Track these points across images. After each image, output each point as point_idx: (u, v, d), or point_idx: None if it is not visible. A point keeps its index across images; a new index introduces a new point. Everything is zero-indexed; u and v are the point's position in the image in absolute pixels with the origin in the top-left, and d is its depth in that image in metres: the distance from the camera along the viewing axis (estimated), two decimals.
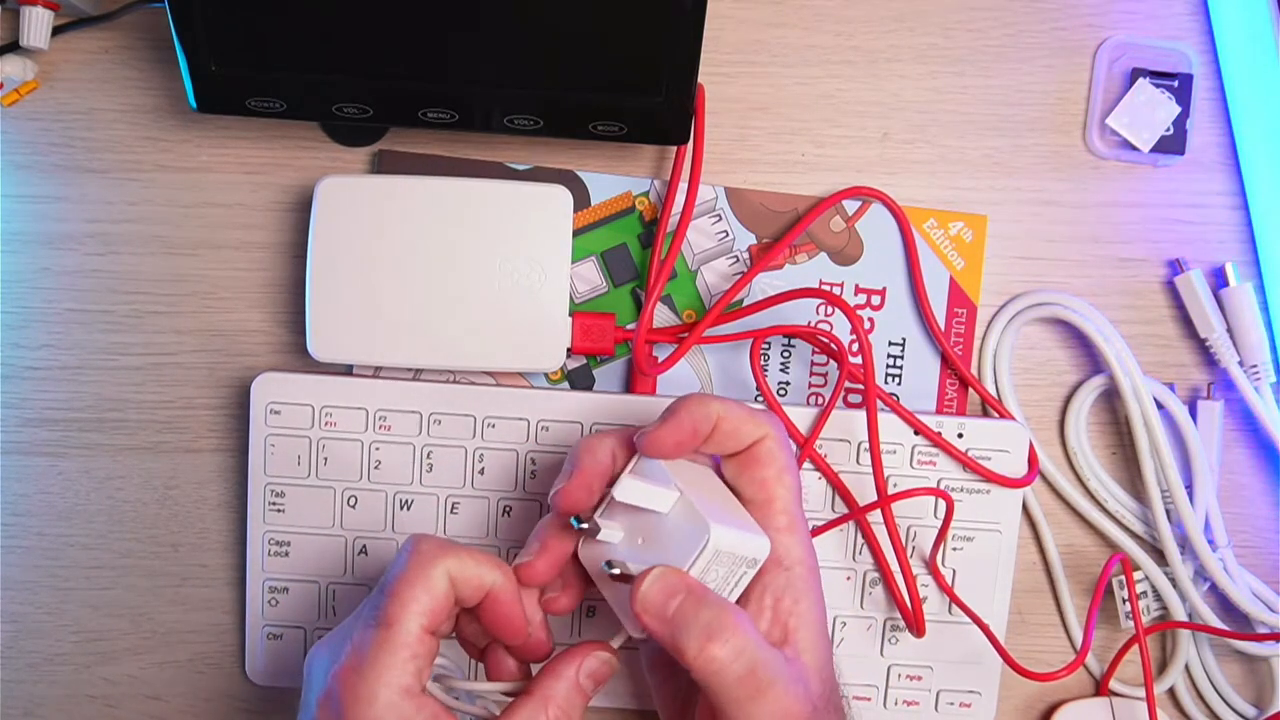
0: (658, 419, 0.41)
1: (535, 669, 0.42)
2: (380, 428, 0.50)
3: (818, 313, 0.53)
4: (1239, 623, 0.53)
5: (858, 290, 0.53)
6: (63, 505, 0.52)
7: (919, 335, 0.53)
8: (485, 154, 0.52)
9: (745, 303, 0.52)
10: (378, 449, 0.50)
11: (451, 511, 0.50)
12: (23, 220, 0.52)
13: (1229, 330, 0.52)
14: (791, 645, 0.40)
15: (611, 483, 0.41)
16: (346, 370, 0.52)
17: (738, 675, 0.37)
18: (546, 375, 0.52)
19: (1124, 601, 0.52)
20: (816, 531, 0.51)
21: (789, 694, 0.38)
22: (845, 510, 0.51)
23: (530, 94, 0.46)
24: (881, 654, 0.52)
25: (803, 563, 0.41)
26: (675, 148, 0.51)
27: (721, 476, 0.43)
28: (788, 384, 0.53)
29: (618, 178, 0.52)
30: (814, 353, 0.53)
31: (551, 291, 0.49)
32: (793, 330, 0.51)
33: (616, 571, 0.39)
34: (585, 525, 0.40)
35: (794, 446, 0.44)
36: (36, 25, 0.49)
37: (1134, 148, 0.52)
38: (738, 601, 0.41)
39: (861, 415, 0.49)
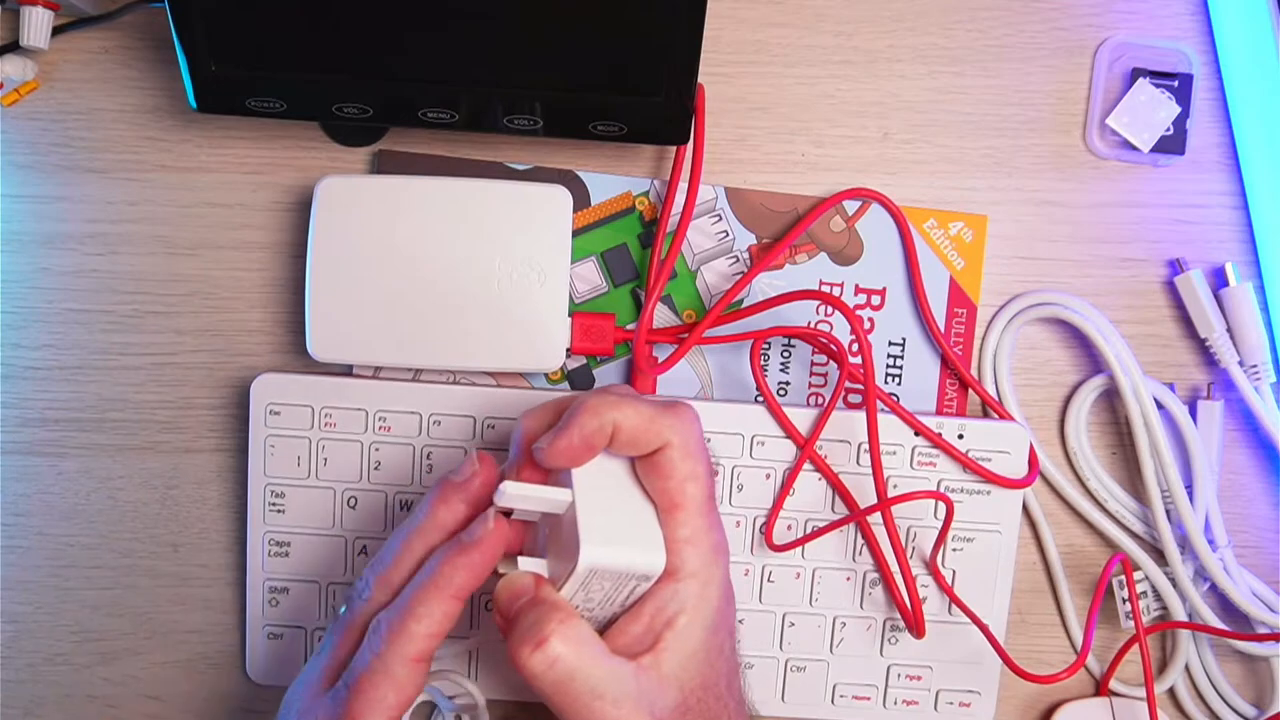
0: (558, 425, 0.39)
1: None
2: (380, 428, 0.50)
3: (818, 313, 0.53)
4: (1239, 623, 0.53)
5: (858, 290, 0.53)
6: (63, 505, 0.52)
7: (919, 335, 0.53)
8: (485, 154, 0.52)
9: (745, 303, 0.52)
10: (377, 449, 0.50)
11: None
12: (23, 220, 0.52)
13: (1229, 330, 0.52)
14: (654, 655, 0.39)
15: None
16: (346, 370, 0.52)
17: (552, 683, 0.37)
18: (546, 375, 0.52)
19: (1124, 601, 0.52)
20: (818, 533, 0.51)
21: (618, 708, 0.37)
22: (845, 512, 0.51)
23: (530, 94, 0.46)
24: (881, 654, 0.52)
25: (697, 576, 0.40)
26: (675, 148, 0.51)
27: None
28: (788, 384, 0.53)
29: (618, 178, 0.52)
30: (814, 353, 0.53)
31: (551, 291, 0.49)
32: (793, 331, 0.51)
33: (502, 571, 0.39)
34: (503, 507, 0.39)
35: (707, 445, 0.42)
36: (36, 25, 0.49)
37: (1134, 148, 0.52)
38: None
39: (861, 416, 0.49)
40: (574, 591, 0.39)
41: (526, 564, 0.40)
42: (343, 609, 0.41)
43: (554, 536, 0.40)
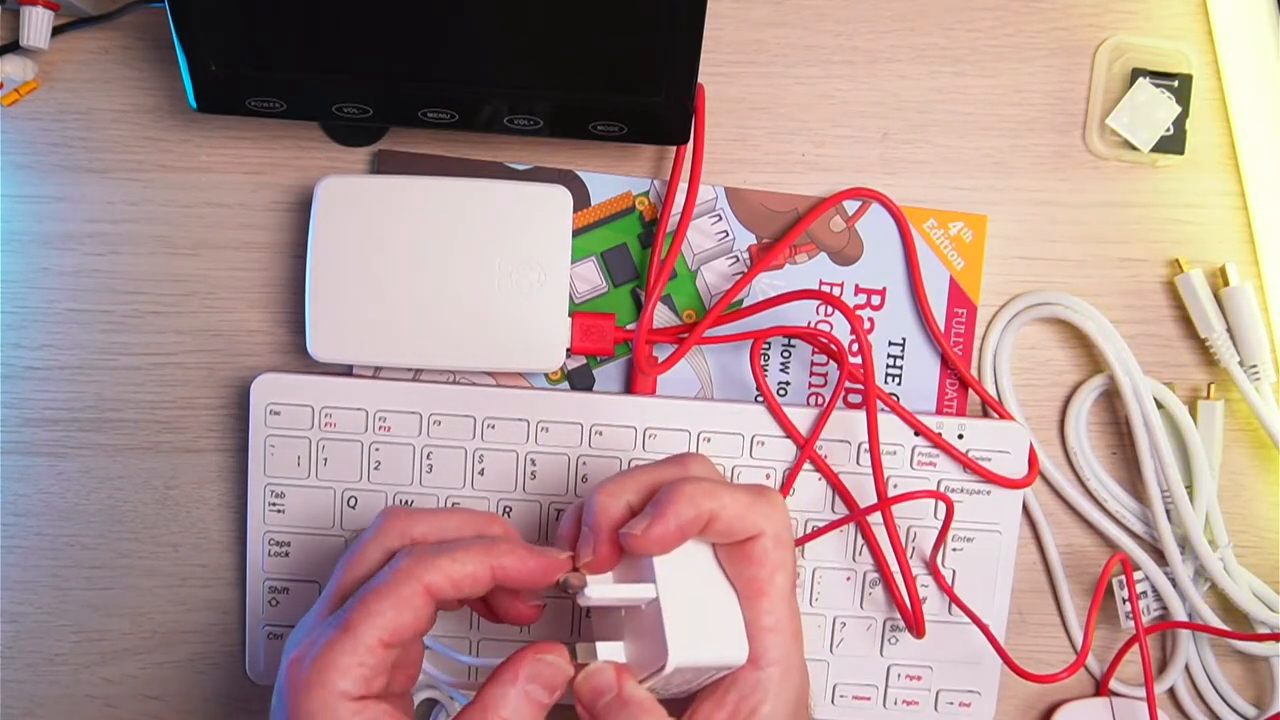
0: (648, 511, 0.39)
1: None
2: (380, 428, 0.50)
3: (818, 313, 0.53)
4: (1239, 623, 0.53)
5: (858, 290, 0.53)
6: (63, 505, 0.52)
7: (919, 335, 0.53)
8: (485, 154, 0.52)
9: (745, 303, 0.52)
10: (377, 449, 0.50)
11: None
12: (23, 220, 0.52)
13: (1229, 330, 0.52)
14: None
15: None
16: (346, 370, 0.52)
17: None
18: (546, 375, 0.52)
19: (1124, 601, 0.52)
20: (817, 533, 0.51)
21: None
22: (845, 512, 0.51)
23: (530, 94, 0.46)
24: (881, 654, 0.52)
25: (779, 663, 0.40)
26: (675, 148, 0.51)
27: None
28: (788, 384, 0.53)
29: (618, 178, 0.52)
30: (814, 353, 0.53)
31: (551, 291, 0.49)
32: (793, 331, 0.51)
33: (581, 661, 0.39)
34: (572, 588, 0.39)
35: (793, 536, 0.42)
36: (36, 25, 0.49)
37: (1134, 148, 0.52)
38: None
39: (861, 416, 0.50)
40: (655, 683, 0.39)
41: (605, 651, 0.39)
42: (349, 549, 0.41)
43: (632, 619, 0.40)
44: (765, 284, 0.53)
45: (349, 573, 0.40)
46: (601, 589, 0.39)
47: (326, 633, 0.38)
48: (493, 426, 0.50)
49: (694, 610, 0.39)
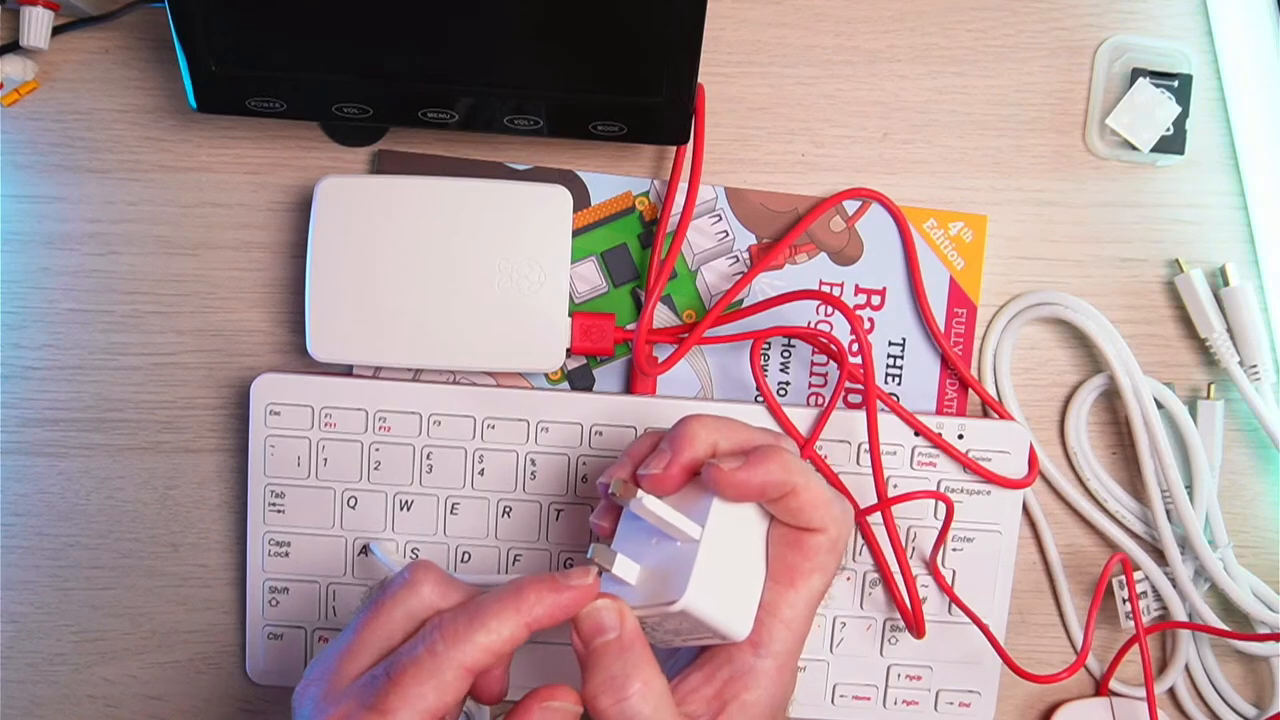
0: (740, 457, 0.39)
1: None
2: (380, 428, 0.50)
3: (818, 313, 0.53)
4: (1239, 623, 0.53)
5: (858, 290, 0.53)
6: (63, 505, 0.52)
7: (919, 335, 0.53)
8: (485, 154, 0.52)
9: (745, 303, 0.52)
10: (377, 450, 0.50)
11: (451, 512, 0.50)
12: (23, 220, 0.52)
13: (1229, 330, 0.52)
14: None
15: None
16: (346, 371, 0.52)
17: None
18: (546, 375, 0.52)
19: (1124, 601, 0.52)
20: None
21: None
22: None
23: (530, 94, 0.46)
24: (881, 654, 0.52)
25: (778, 657, 0.39)
26: (675, 148, 0.51)
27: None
28: (788, 384, 0.53)
29: (618, 178, 0.52)
30: (814, 353, 0.53)
31: (551, 292, 0.49)
32: (793, 331, 0.51)
33: (593, 561, 0.39)
34: (621, 497, 0.39)
35: (845, 550, 0.42)
36: (36, 25, 0.49)
37: (1134, 148, 0.52)
38: (701, 651, 0.40)
39: (862, 416, 0.50)
40: (651, 617, 0.39)
41: (622, 568, 0.39)
42: (370, 599, 0.39)
43: (659, 551, 0.40)
44: (765, 284, 0.53)
45: (370, 629, 0.38)
46: (655, 503, 0.39)
47: (359, 712, 0.36)
48: (493, 426, 0.50)
49: (723, 569, 0.39)
